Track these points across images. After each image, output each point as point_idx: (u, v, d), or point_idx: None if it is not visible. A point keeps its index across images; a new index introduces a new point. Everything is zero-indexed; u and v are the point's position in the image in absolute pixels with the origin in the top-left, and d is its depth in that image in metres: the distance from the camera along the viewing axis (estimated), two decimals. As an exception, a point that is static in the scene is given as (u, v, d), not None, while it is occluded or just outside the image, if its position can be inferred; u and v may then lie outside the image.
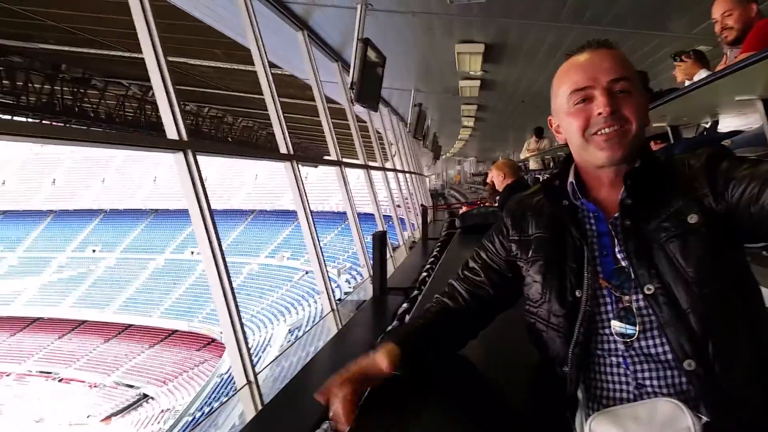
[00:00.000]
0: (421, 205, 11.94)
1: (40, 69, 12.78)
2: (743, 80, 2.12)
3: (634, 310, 1.08)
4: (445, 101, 12.37)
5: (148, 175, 51.46)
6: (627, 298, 1.09)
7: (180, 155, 3.11)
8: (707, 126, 3.87)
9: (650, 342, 1.06)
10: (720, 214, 1.04)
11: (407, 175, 13.82)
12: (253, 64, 5.13)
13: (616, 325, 1.09)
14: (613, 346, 1.10)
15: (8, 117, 12.39)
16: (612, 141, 1.11)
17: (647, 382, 1.06)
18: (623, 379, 1.09)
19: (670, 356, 1.04)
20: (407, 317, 2.78)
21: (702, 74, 3.34)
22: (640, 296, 1.07)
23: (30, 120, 12.91)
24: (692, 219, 1.04)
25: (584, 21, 5.50)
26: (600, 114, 1.11)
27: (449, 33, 6.46)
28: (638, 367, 1.07)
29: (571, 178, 1.22)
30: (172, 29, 7.68)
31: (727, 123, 3.53)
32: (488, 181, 6.26)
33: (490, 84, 9.14)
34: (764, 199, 0.98)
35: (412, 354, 1.21)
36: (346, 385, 1.14)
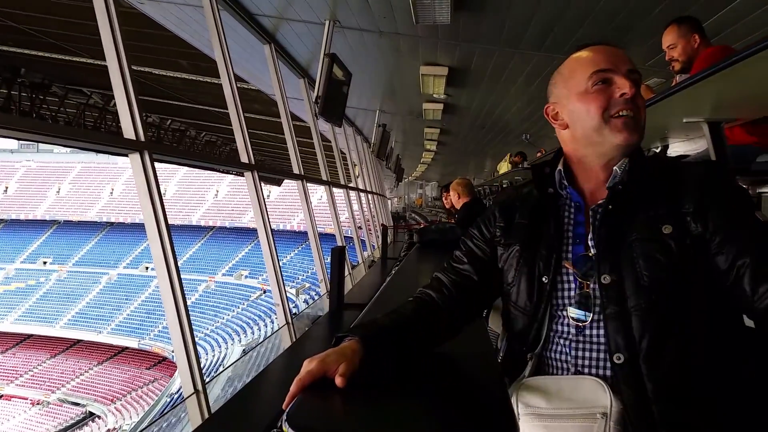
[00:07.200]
0: (382, 224, 11.96)
1: (-3, 72, 12.40)
2: (689, 101, 2.22)
3: (592, 297, 1.11)
4: (409, 123, 12.50)
5: (105, 188, 50.20)
6: (588, 284, 1.12)
7: (136, 156, 3.06)
8: (657, 151, 4.03)
9: (600, 331, 1.09)
10: (694, 234, 1.06)
11: (369, 195, 13.85)
12: (218, 76, 5.09)
13: (572, 311, 1.13)
14: (566, 329, 1.14)
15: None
16: (629, 125, 1.14)
17: (585, 370, 1.09)
18: (565, 365, 1.13)
19: (605, 347, 1.08)
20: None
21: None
22: (598, 285, 1.10)
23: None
24: (666, 230, 1.06)
25: (544, 48, 5.66)
26: (623, 95, 1.14)
27: (414, 54, 6.56)
28: (580, 353, 1.11)
29: (559, 166, 1.25)
30: (136, 36, 7.57)
31: (676, 148, 3.68)
32: (444, 200, 6.42)
33: (452, 108, 9.27)
34: (736, 274, 1.02)
35: (377, 350, 1.07)
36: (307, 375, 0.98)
